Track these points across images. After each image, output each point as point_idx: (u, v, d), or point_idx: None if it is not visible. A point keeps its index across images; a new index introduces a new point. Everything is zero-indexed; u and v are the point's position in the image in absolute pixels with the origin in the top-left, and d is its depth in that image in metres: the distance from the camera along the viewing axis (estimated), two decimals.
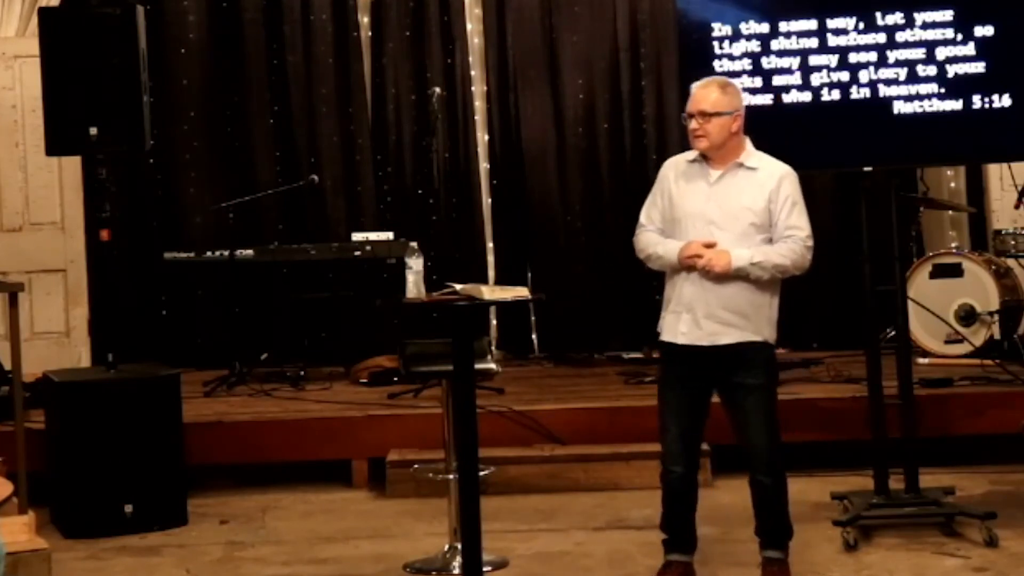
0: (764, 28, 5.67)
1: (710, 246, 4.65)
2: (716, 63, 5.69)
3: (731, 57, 5.70)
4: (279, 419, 6.81)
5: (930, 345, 7.71)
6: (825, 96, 5.63)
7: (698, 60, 5.74)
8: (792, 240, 4.71)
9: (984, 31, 5.50)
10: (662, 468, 4.84)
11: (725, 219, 4.69)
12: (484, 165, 9.01)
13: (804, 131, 5.66)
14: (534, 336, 9.02)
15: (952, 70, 5.53)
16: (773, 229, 4.72)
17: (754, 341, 4.69)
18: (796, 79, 5.65)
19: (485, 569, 4.86)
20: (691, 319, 4.69)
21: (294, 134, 8.88)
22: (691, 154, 4.85)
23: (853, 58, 5.61)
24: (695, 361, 4.71)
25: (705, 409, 4.81)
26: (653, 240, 4.80)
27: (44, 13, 6.78)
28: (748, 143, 4.82)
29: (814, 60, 5.64)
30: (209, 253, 7.89)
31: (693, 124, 4.74)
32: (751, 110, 5.63)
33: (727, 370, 4.70)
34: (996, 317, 7.53)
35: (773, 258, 4.67)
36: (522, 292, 5.03)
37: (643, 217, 4.89)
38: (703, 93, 4.77)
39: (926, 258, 7.90)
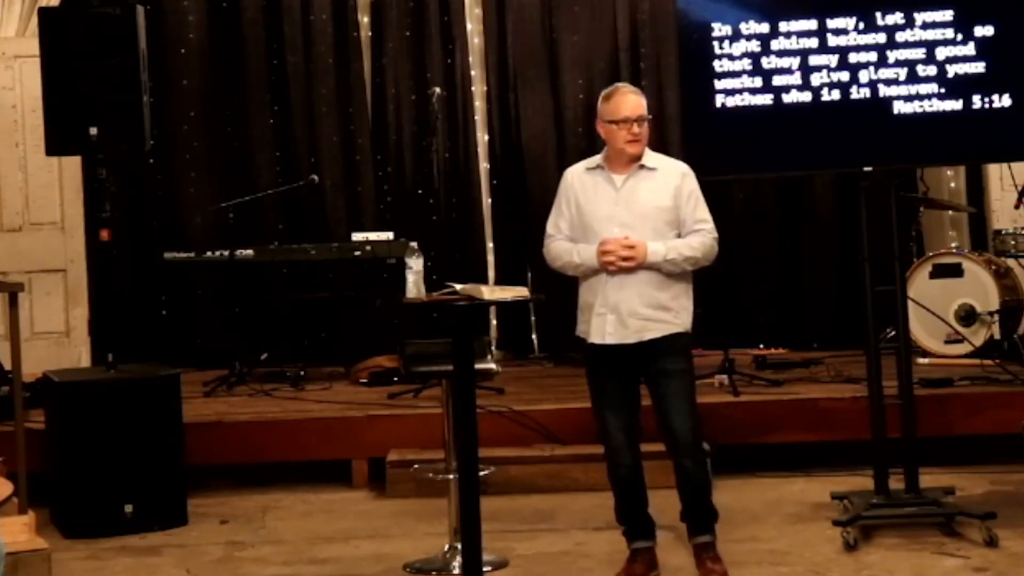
0: (764, 28, 5.67)
1: (628, 246, 4.78)
2: (716, 63, 5.69)
3: (731, 57, 5.69)
4: (279, 419, 6.81)
5: (930, 345, 7.71)
6: (825, 96, 5.63)
7: (698, 60, 5.75)
8: (701, 233, 4.90)
9: (984, 31, 5.51)
10: (609, 463, 4.96)
11: (636, 220, 4.84)
12: (484, 165, 9.02)
13: (804, 131, 5.67)
14: (534, 336, 9.03)
15: (952, 70, 5.53)
16: (681, 224, 4.88)
17: (677, 332, 4.86)
18: (796, 79, 5.65)
19: (485, 569, 4.86)
20: (616, 319, 4.82)
21: (294, 134, 8.89)
22: (589, 162, 5.04)
23: (853, 58, 5.61)
24: (622, 357, 4.85)
25: (637, 399, 4.95)
26: (566, 248, 4.95)
27: (44, 13, 6.78)
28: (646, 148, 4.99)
29: (814, 60, 5.64)
30: (209, 253, 7.89)
31: (635, 129, 4.87)
32: (751, 110, 5.66)
33: (650, 359, 4.84)
34: (996, 317, 7.53)
35: (684, 251, 4.84)
36: (522, 292, 5.04)
37: (550, 227, 5.04)
38: (635, 100, 4.93)
39: (926, 258, 7.90)
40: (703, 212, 4.92)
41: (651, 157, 4.95)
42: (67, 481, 5.95)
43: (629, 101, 4.90)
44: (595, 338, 4.86)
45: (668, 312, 4.84)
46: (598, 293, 4.85)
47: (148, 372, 6.36)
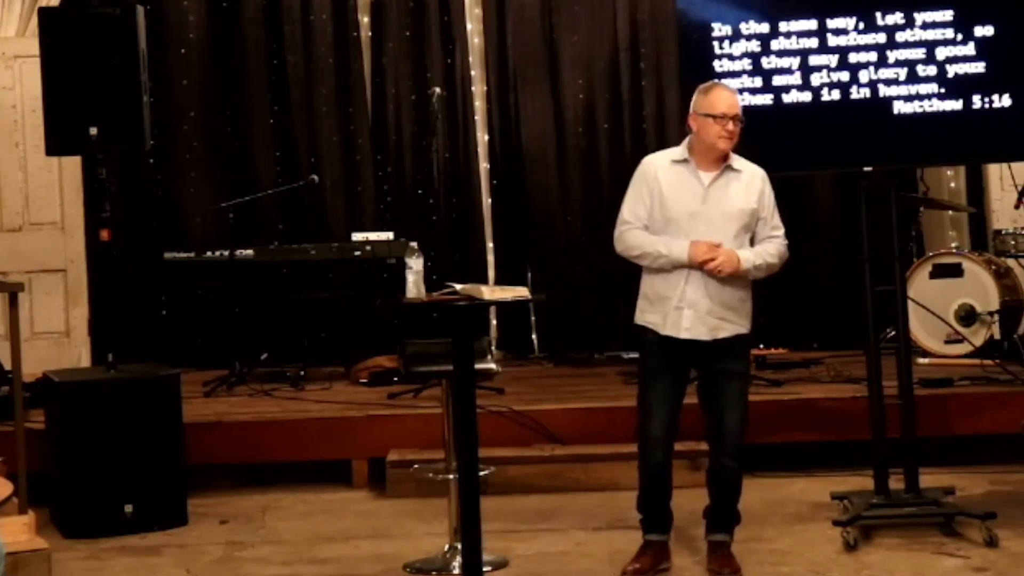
0: (764, 28, 5.68)
1: (716, 246, 4.84)
2: (716, 63, 5.69)
3: (731, 57, 5.70)
4: (279, 419, 6.81)
5: (930, 345, 7.71)
6: (825, 96, 5.64)
7: (698, 60, 5.75)
8: (776, 241, 5.02)
9: (984, 31, 5.51)
10: (642, 453, 4.98)
11: (722, 220, 4.89)
12: (484, 165, 9.02)
13: (804, 131, 5.67)
14: (534, 336, 9.03)
15: (952, 70, 5.54)
16: (759, 228, 4.98)
17: (743, 333, 4.95)
18: (796, 79, 5.66)
19: (485, 569, 4.86)
20: (694, 315, 4.86)
21: (294, 134, 8.88)
22: (674, 154, 5.02)
23: (853, 58, 5.62)
24: (688, 353, 4.90)
25: (682, 398, 5.00)
26: (649, 239, 4.92)
27: (44, 13, 6.78)
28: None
29: (814, 60, 5.64)
30: (209, 253, 7.88)
31: (730, 127, 4.88)
32: (751, 110, 5.66)
33: (714, 358, 4.90)
34: (996, 317, 7.53)
35: (767, 259, 4.96)
36: (522, 292, 5.03)
37: (627, 215, 4.99)
38: (733, 98, 4.96)
39: (926, 258, 7.90)
40: (778, 220, 5.04)
41: (735, 159, 4.98)
42: (67, 481, 5.95)
43: (727, 98, 4.92)
44: (670, 331, 4.88)
45: (737, 313, 4.92)
46: (676, 287, 4.87)
47: (148, 372, 6.36)
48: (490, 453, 6.01)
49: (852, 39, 5.62)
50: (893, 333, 6.36)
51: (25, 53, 7.93)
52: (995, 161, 7.60)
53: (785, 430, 6.62)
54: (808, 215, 8.88)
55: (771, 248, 4.96)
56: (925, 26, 5.56)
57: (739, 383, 4.96)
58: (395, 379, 7.34)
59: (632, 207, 4.98)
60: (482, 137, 9.02)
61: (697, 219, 4.86)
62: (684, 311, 4.86)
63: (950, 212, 8.62)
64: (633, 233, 4.95)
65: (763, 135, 5.66)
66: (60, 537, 5.82)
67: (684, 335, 4.86)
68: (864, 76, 5.61)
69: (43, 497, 5.93)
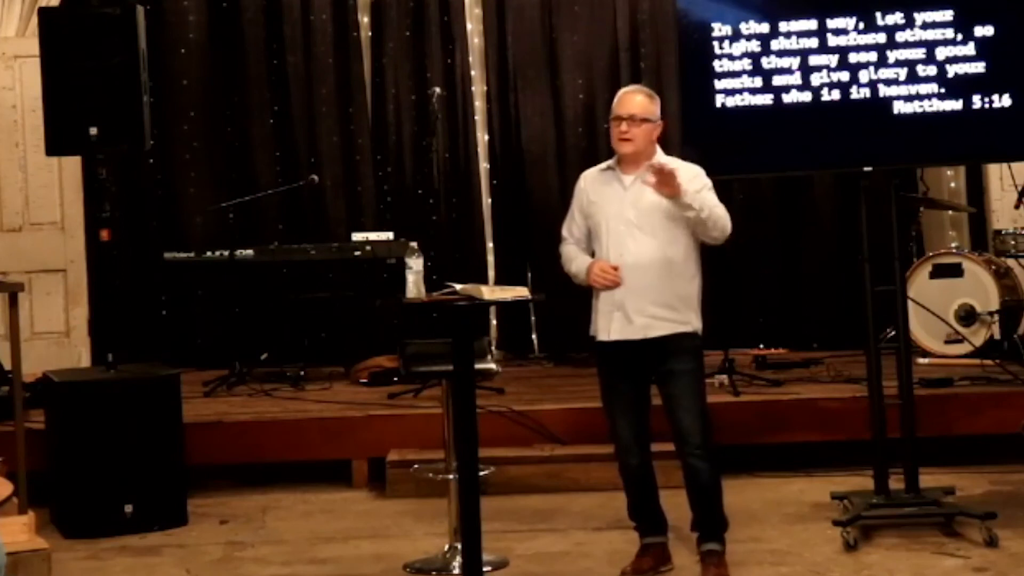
0: (764, 28, 5.68)
1: (614, 268, 4.88)
2: (716, 63, 5.69)
3: (731, 57, 5.70)
4: (279, 419, 6.81)
5: (930, 345, 7.71)
6: (825, 96, 5.64)
7: (698, 60, 5.75)
8: (719, 206, 4.92)
9: (984, 31, 5.51)
10: (619, 461, 5.03)
11: (642, 218, 4.90)
12: (484, 165, 9.01)
13: (804, 131, 5.67)
14: (534, 336, 9.03)
15: (952, 70, 5.54)
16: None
17: (683, 332, 4.90)
18: (796, 79, 5.66)
19: (485, 569, 4.86)
20: (622, 316, 4.90)
21: (294, 134, 8.88)
22: (604, 164, 5.11)
23: (853, 58, 5.62)
24: (630, 355, 4.91)
25: (648, 399, 5.00)
26: (570, 255, 5.08)
27: (44, 13, 6.78)
28: (659, 149, 5.02)
29: (814, 60, 5.64)
30: (209, 253, 7.88)
31: (623, 127, 4.92)
32: (751, 110, 5.66)
33: (659, 359, 4.89)
34: (996, 317, 7.53)
35: (711, 205, 4.87)
36: (522, 292, 5.05)
37: (563, 231, 5.16)
38: (633, 99, 4.99)
39: (926, 258, 7.90)
40: (716, 199, 4.92)
41: (663, 159, 4.96)
42: (67, 481, 5.95)
43: (626, 100, 4.97)
44: (602, 335, 4.96)
45: (675, 311, 4.89)
46: (605, 291, 4.93)
47: (148, 372, 6.36)
48: (490, 453, 6.01)
49: (852, 39, 5.62)
50: (893, 333, 6.36)
51: (25, 53, 7.93)
52: (995, 161, 7.60)
53: (785, 430, 6.62)
54: (808, 215, 8.89)
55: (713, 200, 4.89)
56: (925, 26, 5.56)
57: (688, 381, 4.88)
58: (395, 379, 7.34)
59: (567, 223, 5.15)
60: (482, 137, 9.02)
61: (618, 219, 4.92)
62: (613, 314, 4.92)
63: (950, 212, 8.61)
64: (564, 248, 5.13)
65: (763, 135, 5.67)
66: (60, 537, 5.82)
67: (614, 337, 4.90)
68: (864, 76, 5.61)
69: (43, 497, 5.93)
